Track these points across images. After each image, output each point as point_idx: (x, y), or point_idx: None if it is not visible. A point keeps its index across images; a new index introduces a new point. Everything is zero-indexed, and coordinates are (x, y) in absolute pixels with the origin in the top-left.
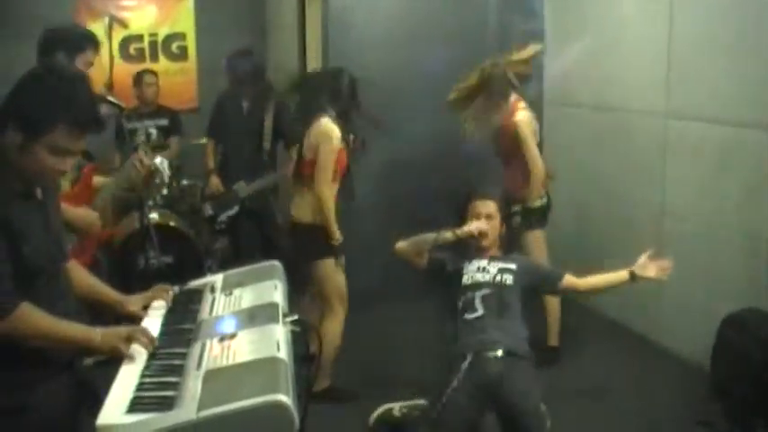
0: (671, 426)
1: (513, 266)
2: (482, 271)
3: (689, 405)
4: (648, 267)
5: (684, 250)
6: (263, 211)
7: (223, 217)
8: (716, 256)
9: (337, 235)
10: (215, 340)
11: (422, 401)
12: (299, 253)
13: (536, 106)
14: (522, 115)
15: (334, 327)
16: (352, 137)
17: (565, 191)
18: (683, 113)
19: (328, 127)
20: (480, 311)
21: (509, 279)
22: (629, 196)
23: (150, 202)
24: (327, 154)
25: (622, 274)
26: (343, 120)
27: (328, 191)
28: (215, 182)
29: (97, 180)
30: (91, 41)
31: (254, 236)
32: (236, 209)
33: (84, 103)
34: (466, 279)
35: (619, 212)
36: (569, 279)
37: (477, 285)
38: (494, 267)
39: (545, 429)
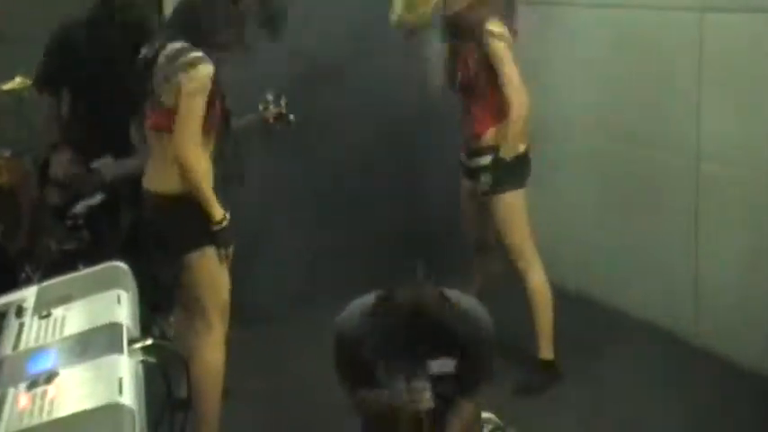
0: None
1: None
2: None
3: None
4: None
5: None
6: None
7: (79, 208)
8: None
9: (219, 214)
10: (22, 387)
11: None
12: (160, 242)
13: None
14: (496, 26)
15: (211, 349)
16: (270, 98)
17: (573, 135)
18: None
19: (192, 57)
20: None
21: None
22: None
23: None
24: (192, 96)
25: None
26: (218, 50)
27: (196, 153)
28: (64, 157)
29: None
30: None
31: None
32: (98, 197)
33: None
34: None
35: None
36: None
37: None
38: None
39: None
